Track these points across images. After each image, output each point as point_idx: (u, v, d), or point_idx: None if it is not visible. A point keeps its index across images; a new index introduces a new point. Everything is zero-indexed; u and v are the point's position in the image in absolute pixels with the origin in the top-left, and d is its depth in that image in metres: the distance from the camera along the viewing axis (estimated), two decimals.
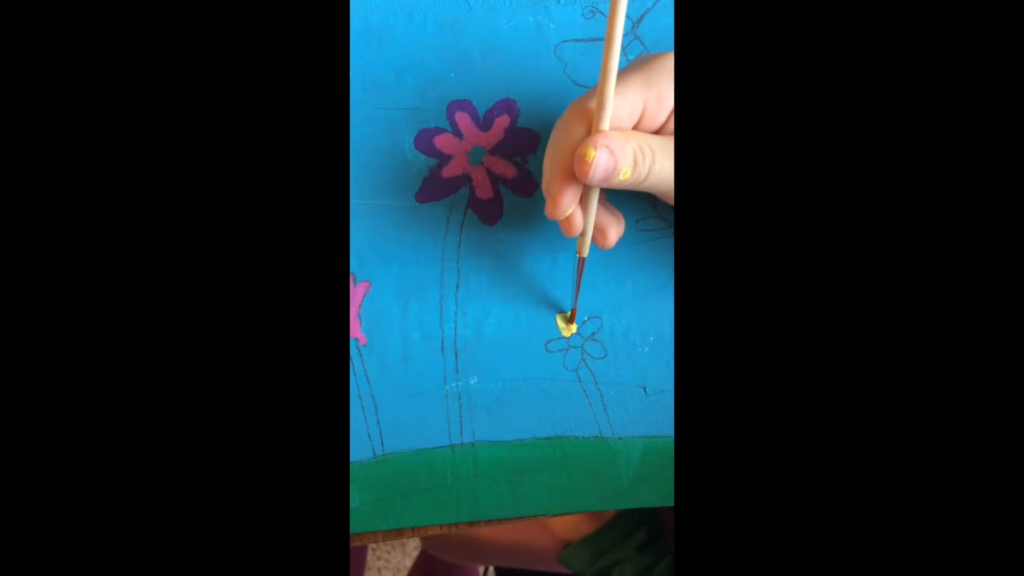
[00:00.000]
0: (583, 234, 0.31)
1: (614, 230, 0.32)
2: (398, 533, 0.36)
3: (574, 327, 0.36)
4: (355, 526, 0.36)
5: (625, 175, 0.28)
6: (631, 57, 0.36)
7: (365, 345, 0.35)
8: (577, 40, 0.36)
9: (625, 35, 0.36)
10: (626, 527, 0.58)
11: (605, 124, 0.27)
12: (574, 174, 0.28)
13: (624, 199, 0.36)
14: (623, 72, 0.28)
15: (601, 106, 0.27)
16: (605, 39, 0.25)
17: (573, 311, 0.36)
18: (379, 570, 1.13)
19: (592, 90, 0.29)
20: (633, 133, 0.28)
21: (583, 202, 0.30)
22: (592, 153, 0.27)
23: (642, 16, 0.36)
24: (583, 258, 0.33)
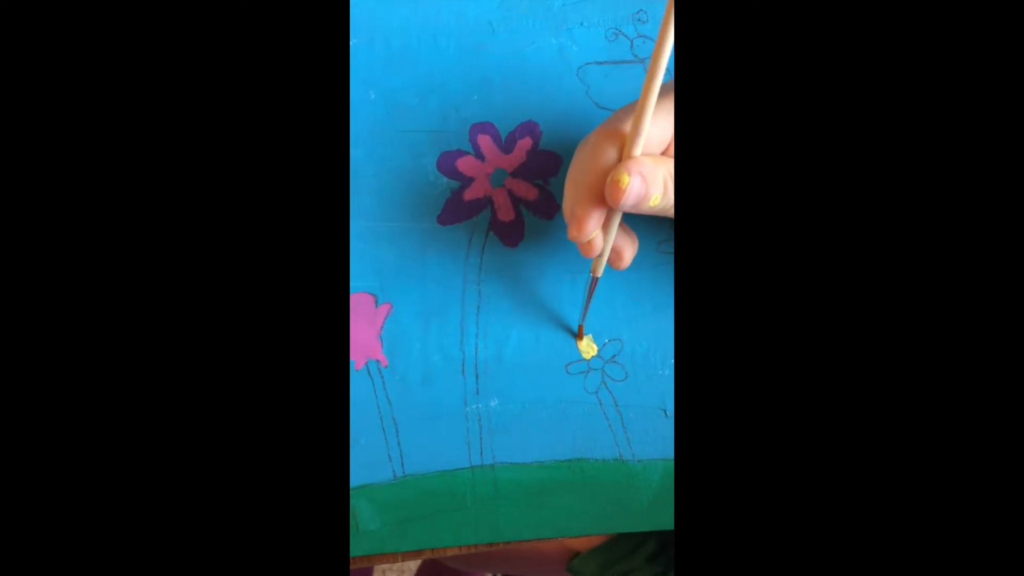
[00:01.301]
0: (600, 256, 0.32)
1: (629, 251, 0.32)
2: (418, 554, 0.37)
3: (595, 349, 0.36)
4: (375, 547, 0.36)
5: (655, 201, 0.28)
6: None
7: (387, 367, 0.35)
8: (600, 63, 0.36)
9: (647, 58, 0.36)
10: (636, 537, 0.58)
11: (638, 150, 0.27)
12: (601, 198, 0.28)
13: (645, 221, 0.36)
14: None
15: (637, 132, 0.27)
16: (649, 66, 0.25)
17: (580, 328, 0.36)
18: (383, 571, 1.14)
19: (617, 114, 0.29)
20: (663, 159, 0.28)
21: (605, 225, 0.30)
22: (626, 179, 0.27)
23: None
24: (596, 278, 0.33)
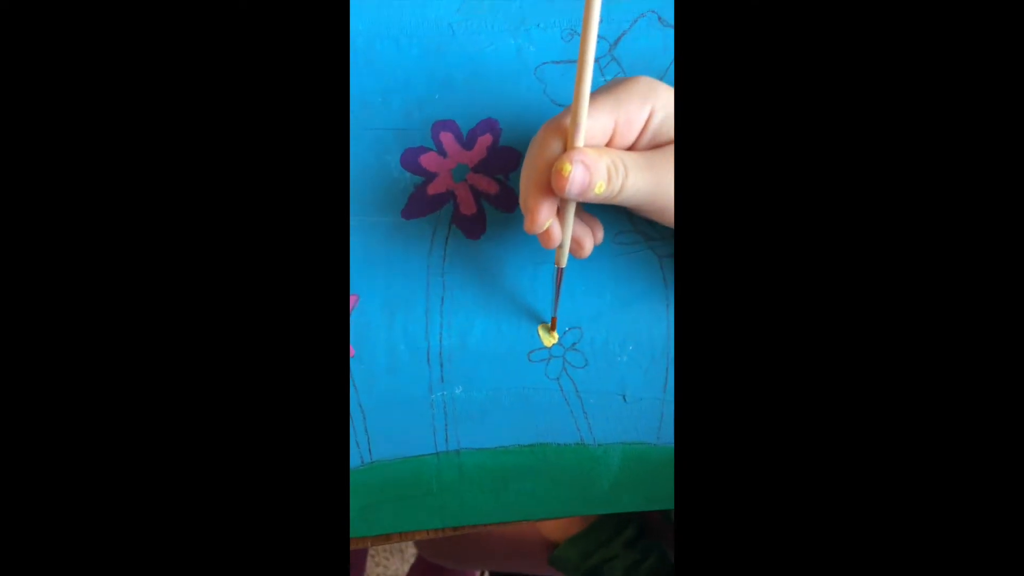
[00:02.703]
0: (561, 246, 0.33)
1: (589, 240, 0.34)
2: (386, 538, 0.38)
3: (555, 337, 0.38)
4: None
5: (600, 189, 0.29)
6: (608, 77, 0.37)
7: (353, 356, 0.37)
8: (557, 62, 0.37)
9: (602, 57, 0.37)
10: (614, 525, 0.59)
11: (580, 141, 0.29)
12: (550, 189, 0.29)
13: (602, 213, 0.37)
14: (595, 94, 0.29)
15: (575, 124, 0.28)
16: (578, 62, 0.26)
17: (554, 320, 0.37)
18: (375, 569, 1.15)
19: (566, 109, 0.30)
20: (606, 149, 0.30)
21: (560, 215, 0.31)
22: (568, 168, 0.28)
23: (619, 38, 0.37)
24: (561, 268, 0.34)
